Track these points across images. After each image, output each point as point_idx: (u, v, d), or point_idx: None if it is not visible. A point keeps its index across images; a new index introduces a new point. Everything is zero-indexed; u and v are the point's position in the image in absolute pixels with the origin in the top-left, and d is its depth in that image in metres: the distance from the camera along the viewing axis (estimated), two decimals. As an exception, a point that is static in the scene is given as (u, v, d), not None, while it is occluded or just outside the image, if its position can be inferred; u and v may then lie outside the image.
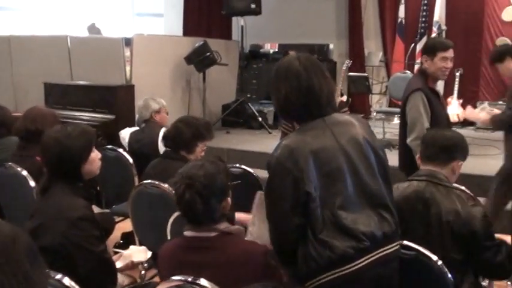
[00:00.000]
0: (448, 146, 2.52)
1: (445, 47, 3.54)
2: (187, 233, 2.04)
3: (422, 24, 8.60)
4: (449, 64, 3.56)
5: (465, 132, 3.19)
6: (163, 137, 3.42)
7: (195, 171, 1.99)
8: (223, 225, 2.03)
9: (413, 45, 8.36)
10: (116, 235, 3.82)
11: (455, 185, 2.57)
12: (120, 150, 4.10)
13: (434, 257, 2.12)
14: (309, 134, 1.99)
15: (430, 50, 3.56)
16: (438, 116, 3.53)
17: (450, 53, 3.54)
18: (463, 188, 2.57)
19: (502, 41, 8.24)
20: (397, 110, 6.90)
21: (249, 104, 8.01)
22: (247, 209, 3.09)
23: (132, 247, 2.62)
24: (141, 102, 4.46)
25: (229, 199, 2.07)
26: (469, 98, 8.24)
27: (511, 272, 2.43)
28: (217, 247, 1.98)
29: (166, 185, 2.95)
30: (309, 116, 2.04)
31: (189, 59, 7.25)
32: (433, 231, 2.33)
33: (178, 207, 2.03)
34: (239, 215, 2.89)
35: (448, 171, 2.50)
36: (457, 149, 2.53)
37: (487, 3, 8.31)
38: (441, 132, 2.66)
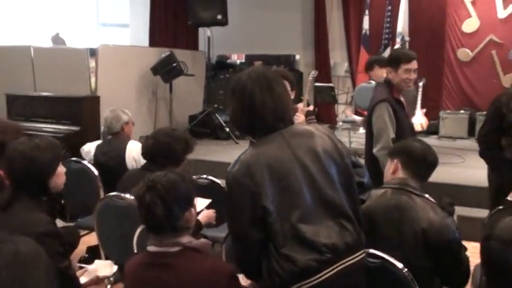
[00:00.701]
0: (434, 166, 2.57)
1: (409, 59, 3.59)
2: (150, 248, 1.98)
3: (386, 36, 8.77)
4: (413, 76, 3.61)
5: (428, 141, 3.25)
6: (150, 153, 3.22)
7: (158, 177, 1.96)
8: (186, 239, 1.97)
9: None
10: (81, 249, 3.75)
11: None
12: (85, 162, 4.03)
13: (399, 265, 2.14)
14: (265, 147, 1.98)
15: (394, 62, 3.61)
16: (403, 126, 3.58)
17: (414, 65, 3.60)
18: (426, 195, 2.61)
19: (462, 52, 8.48)
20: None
21: (216, 115, 8.01)
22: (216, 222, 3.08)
23: (97, 261, 2.58)
24: (109, 114, 4.32)
25: (193, 210, 2.01)
26: (432, 108, 8.44)
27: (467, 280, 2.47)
28: (181, 264, 1.92)
29: (132, 197, 2.91)
30: (258, 131, 2.04)
31: (156, 69, 7.22)
32: (406, 239, 2.34)
33: (138, 213, 1.97)
34: (204, 213, 2.86)
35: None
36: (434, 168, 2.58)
37: (448, 15, 8.54)
38: (430, 151, 2.61)
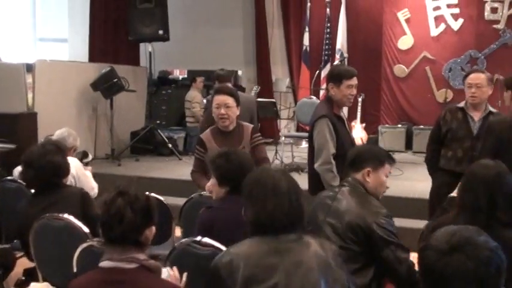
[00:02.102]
0: (353, 159, 2.80)
1: (350, 75, 3.68)
2: (104, 264, 1.92)
3: (326, 52, 8.99)
4: (354, 91, 3.71)
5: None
6: (40, 180, 3.03)
7: (127, 186, 1.99)
8: (143, 257, 1.96)
9: (318, 71, 8.69)
10: (17, 271, 3.60)
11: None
12: (21, 181, 3.90)
13: None
14: (255, 247, 1.93)
15: (336, 78, 3.68)
16: (344, 141, 3.66)
17: (355, 81, 3.69)
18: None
19: (398, 68, 8.78)
20: (305, 134, 7.09)
21: (159, 131, 7.93)
22: (158, 239, 3.03)
23: (33, 284, 2.49)
24: (59, 133, 4.17)
25: (154, 229, 2.02)
26: (371, 122, 8.69)
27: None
28: (137, 282, 1.89)
29: (71, 217, 2.83)
30: (262, 226, 1.96)
31: (96, 85, 7.09)
32: (339, 226, 2.57)
33: (103, 219, 1.93)
34: None
35: (362, 180, 2.73)
36: (361, 159, 2.76)
37: (384, 32, 8.84)
38: (354, 150, 2.95)
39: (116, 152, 7.48)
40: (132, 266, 1.91)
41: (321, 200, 2.78)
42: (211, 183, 2.90)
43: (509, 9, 8.11)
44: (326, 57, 8.97)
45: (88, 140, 7.18)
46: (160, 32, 7.86)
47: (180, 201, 3.82)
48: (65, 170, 3.08)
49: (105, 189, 2.09)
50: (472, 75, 3.93)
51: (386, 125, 8.73)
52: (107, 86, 7.07)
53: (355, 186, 2.71)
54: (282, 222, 1.93)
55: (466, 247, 1.44)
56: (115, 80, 7.07)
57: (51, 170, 2.98)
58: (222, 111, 3.60)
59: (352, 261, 2.48)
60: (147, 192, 3.46)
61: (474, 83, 3.86)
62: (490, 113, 3.86)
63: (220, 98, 3.64)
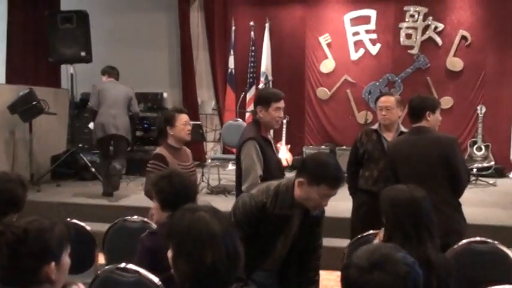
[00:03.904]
0: (301, 161, 2.83)
1: (278, 98, 3.76)
2: None
3: (251, 75, 9.12)
4: (282, 114, 3.80)
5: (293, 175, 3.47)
6: None
7: (17, 223, 1.75)
8: None
9: (243, 94, 8.79)
10: None
11: None
12: None
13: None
14: None
15: (264, 101, 3.74)
16: (271, 163, 3.71)
17: (282, 103, 3.77)
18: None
19: (321, 90, 9.04)
20: (232, 156, 7.13)
21: (81, 155, 7.70)
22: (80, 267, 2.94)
23: None
24: None
25: (53, 265, 1.76)
26: (295, 144, 8.86)
27: None
28: None
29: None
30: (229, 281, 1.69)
31: (13, 108, 6.82)
32: None
33: None
34: None
35: (296, 183, 2.66)
36: (302, 166, 2.67)
37: (307, 56, 9.09)
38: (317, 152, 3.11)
39: (36, 177, 7.19)
40: None
41: None
42: (153, 207, 2.74)
43: (422, 35, 8.59)
44: (251, 80, 9.10)
45: (5, 165, 6.86)
46: (83, 53, 7.68)
47: (103, 227, 3.72)
48: (20, 204, 2.75)
49: (22, 218, 1.91)
50: (382, 98, 4.14)
51: (311, 146, 8.91)
52: (26, 108, 6.82)
53: (286, 181, 2.75)
54: (223, 274, 1.66)
55: (386, 264, 1.49)
56: (34, 102, 6.83)
57: (6, 198, 2.68)
58: (189, 127, 4.05)
59: None
60: (68, 219, 3.40)
61: (384, 106, 4.07)
62: (402, 133, 4.05)
63: (186, 117, 4.04)
